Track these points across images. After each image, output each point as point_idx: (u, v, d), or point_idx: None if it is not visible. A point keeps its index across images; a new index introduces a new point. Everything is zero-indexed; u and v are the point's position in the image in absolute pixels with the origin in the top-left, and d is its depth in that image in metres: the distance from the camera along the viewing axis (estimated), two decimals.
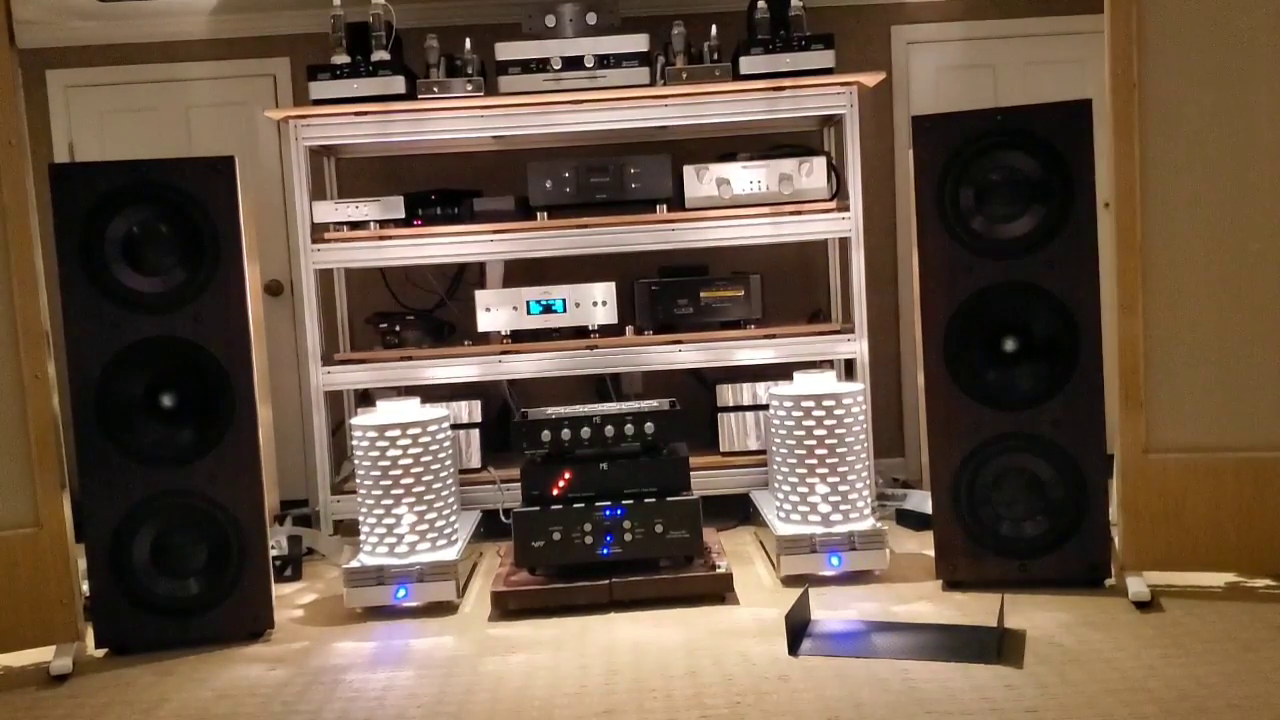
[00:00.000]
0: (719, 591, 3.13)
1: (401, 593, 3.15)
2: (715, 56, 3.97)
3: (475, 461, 4.02)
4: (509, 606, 3.10)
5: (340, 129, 3.94)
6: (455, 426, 3.96)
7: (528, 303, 3.99)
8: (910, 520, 3.89)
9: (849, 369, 4.23)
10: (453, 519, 3.36)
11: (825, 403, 3.28)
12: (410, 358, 4.00)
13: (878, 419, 4.37)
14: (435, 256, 3.98)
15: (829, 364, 4.02)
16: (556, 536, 3.16)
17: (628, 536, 3.16)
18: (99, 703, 2.63)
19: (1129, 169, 2.88)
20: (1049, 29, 4.67)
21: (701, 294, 4.03)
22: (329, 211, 3.97)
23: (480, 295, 4.00)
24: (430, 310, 4.51)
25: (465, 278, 4.57)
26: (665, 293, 4.04)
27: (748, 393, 4.06)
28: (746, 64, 3.90)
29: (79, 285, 2.93)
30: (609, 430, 3.27)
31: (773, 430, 3.42)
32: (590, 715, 2.38)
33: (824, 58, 3.90)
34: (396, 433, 3.21)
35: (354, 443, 3.28)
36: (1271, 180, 2.84)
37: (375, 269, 4.52)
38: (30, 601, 2.84)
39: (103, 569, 2.93)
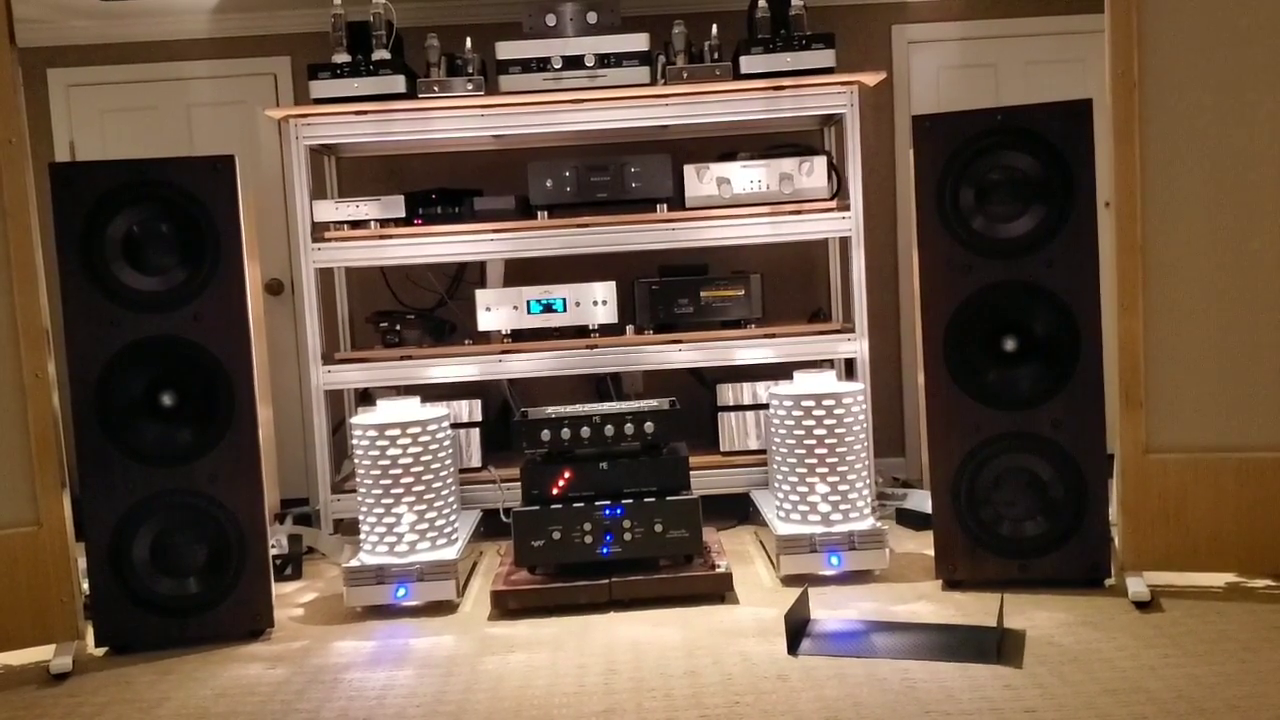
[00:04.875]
0: (719, 591, 3.13)
1: (401, 592, 3.15)
2: (716, 56, 3.97)
3: (475, 461, 4.02)
4: (509, 606, 3.10)
5: (341, 128, 3.94)
6: (455, 426, 3.96)
7: (528, 302, 3.99)
8: (910, 520, 3.89)
9: (849, 368, 4.23)
10: (453, 518, 3.37)
11: (825, 402, 3.28)
12: (410, 357, 4.00)
13: (878, 418, 4.37)
14: (435, 256, 3.98)
15: (829, 363, 4.02)
16: (556, 536, 3.17)
17: (627, 536, 3.16)
18: (99, 701, 2.63)
19: (1129, 168, 2.88)
20: (1049, 28, 4.66)
21: (702, 293, 4.03)
22: (329, 210, 3.97)
23: (480, 294, 4.00)
24: (431, 309, 4.51)
25: (465, 277, 4.57)
26: (665, 292, 4.04)
27: (748, 392, 4.06)
28: (747, 63, 3.90)
29: (79, 284, 2.93)
30: (609, 430, 3.27)
31: (773, 430, 3.42)
32: (589, 714, 2.38)
33: (824, 57, 3.90)
34: (396, 432, 3.21)
35: (354, 442, 3.28)
36: (1271, 180, 2.84)
37: (375, 268, 4.53)
38: (30, 600, 2.84)
39: (103, 568, 2.94)
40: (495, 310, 3.99)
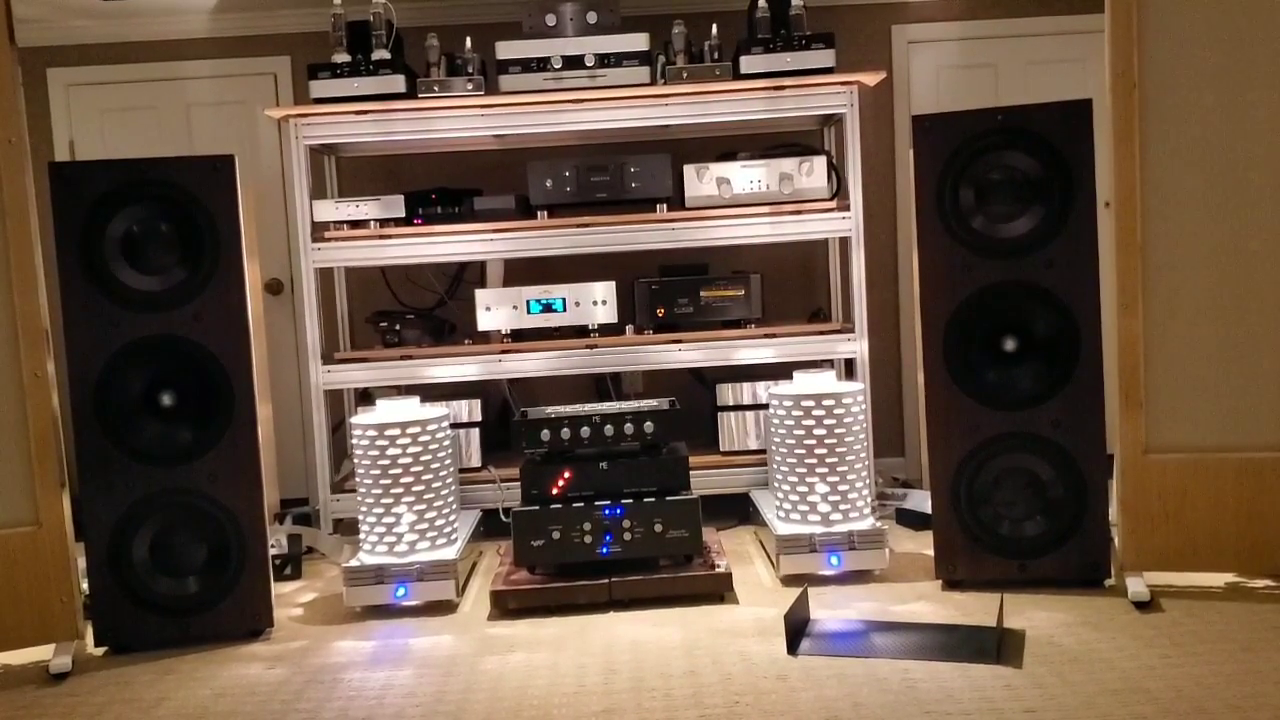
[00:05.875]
0: (718, 591, 3.12)
1: (401, 592, 3.15)
2: (716, 56, 3.97)
3: (475, 460, 4.02)
4: (508, 605, 3.10)
5: (341, 128, 3.94)
6: (455, 425, 3.96)
7: (528, 302, 3.99)
8: (910, 520, 3.89)
9: (849, 368, 4.22)
10: (452, 518, 3.36)
11: (825, 402, 3.28)
12: (410, 357, 4.00)
13: (878, 418, 4.37)
14: (435, 255, 3.98)
15: (829, 363, 4.01)
16: (556, 536, 3.16)
17: (627, 536, 3.16)
18: (98, 701, 2.63)
19: (1129, 168, 2.88)
20: (1049, 28, 4.66)
21: (702, 293, 4.03)
22: (329, 210, 3.97)
23: (480, 294, 4.00)
24: (430, 309, 4.51)
25: (465, 277, 4.57)
26: (665, 292, 4.04)
27: (748, 392, 4.05)
28: (747, 63, 3.90)
29: (79, 284, 2.93)
30: (609, 429, 3.26)
31: (773, 430, 3.42)
32: (589, 714, 2.38)
33: (824, 57, 3.90)
34: (396, 432, 3.21)
35: (354, 441, 3.28)
36: (1272, 180, 2.84)
37: (375, 268, 4.53)
38: (30, 600, 2.84)
39: (102, 568, 2.93)
40: (495, 310, 3.99)
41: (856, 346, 3.96)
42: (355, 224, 3.98)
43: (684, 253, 4.42)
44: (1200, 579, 3.02)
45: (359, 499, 3.29)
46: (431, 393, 4.11)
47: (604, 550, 3.16)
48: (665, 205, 3.97)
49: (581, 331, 4.05)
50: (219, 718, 2.48)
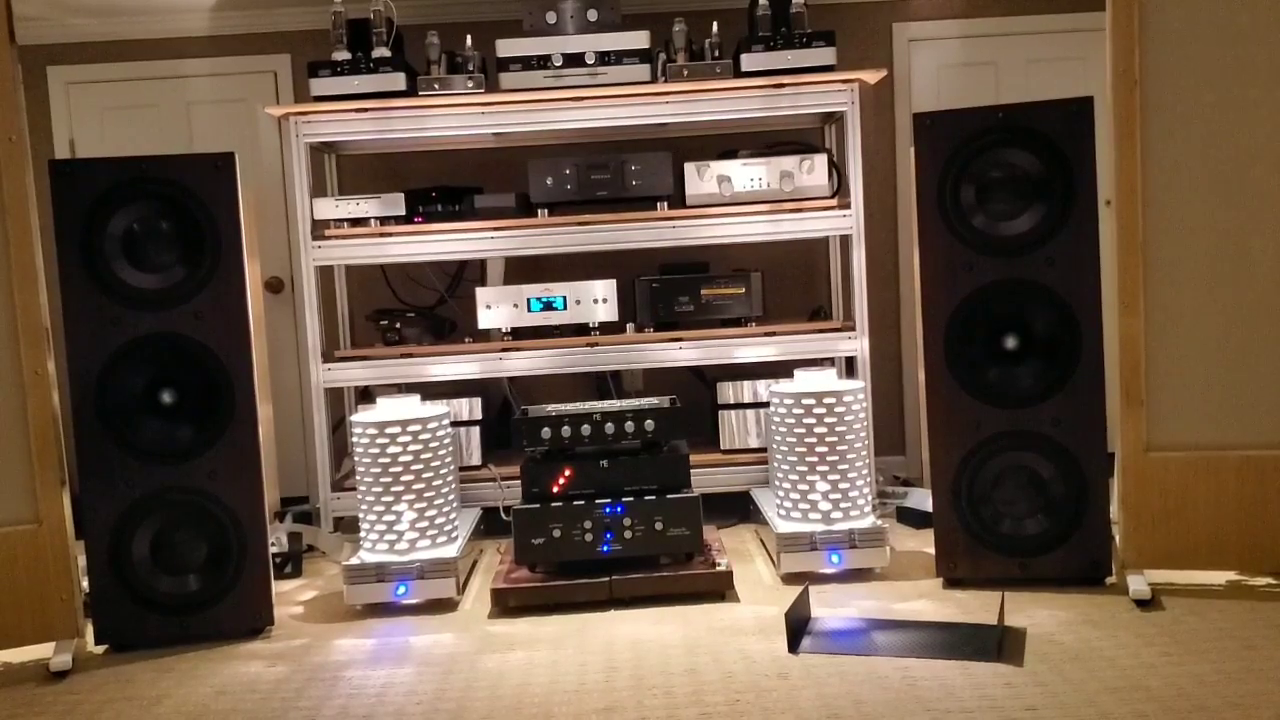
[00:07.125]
0: (719, 589, 3.12)
1: (401, 590, 3.15)
2: (716, 53, 3.97)
3: (476, 459, 4.02)
4: (509, 604, 3.10)
5: (341, 126, 3.94)
6: (456, 424, 3.95)
7: (528, 300, 3.98)
8: (911, 518, 3.88)
9: (850, 366, 4.22)
10: (453, 516, 3.36)
11: (826, 400, 3.28)
12: (411, 355, 4.00)
13: (878, 417, 4.37)
14: (436, 253, 3.97)
15: (830, 361, 4.01)
16: (556, 534, 3.16)
17: (628, 534, 3.16)
18: (98, 699, 2.63)
19: (1130, 166, 2.88)
20: (1051, 26, 4.66)
21: (702, 291, 4.03)
22: (329, 208, 3.97)
23: (481, 292, 4.00)
24: (431, 307, 4.51)
25: (466, 275, 4.57)
26: (666, 290, 4.03)
27: (748, 390, 4.05)
28: (747, 61, 3.90)
29: (79, 282, 2.93)
30: (609, 427, 3.26)
31: (773, 428, 3.42)
32: (590, 712, 2.37)
33: (825, 55, 3.89)
34: (397, 430, 3.20)
35: (354, 440, 3.28)
36: (1273, 178, 2.83)
37: (376, 266, 4.52)
38: (30, 598, 2.84)
39: (102, 566, 2.93)
40: (495, 308, 3.99)
41: (857, 345, 3.96)
42: (355, 222, 3.98)
43: (684, 251, 4.42)
44: (1201, 577, 3.02)
45: (359, 497, 3.28)
46: (432, 391, 4.11)
47: (604, 548, 3.16)
48: (666, 203, 3.97)
49: (582, 330, 4.05)
50: (219, 716, 2.48)
